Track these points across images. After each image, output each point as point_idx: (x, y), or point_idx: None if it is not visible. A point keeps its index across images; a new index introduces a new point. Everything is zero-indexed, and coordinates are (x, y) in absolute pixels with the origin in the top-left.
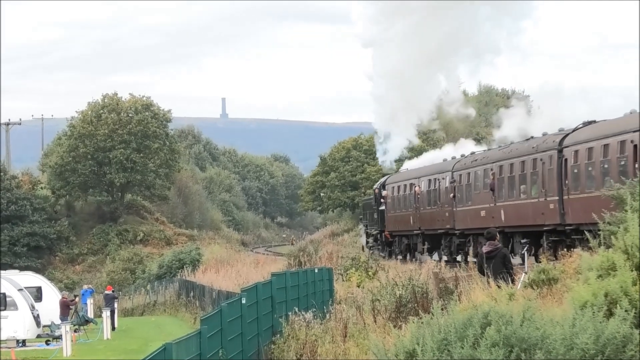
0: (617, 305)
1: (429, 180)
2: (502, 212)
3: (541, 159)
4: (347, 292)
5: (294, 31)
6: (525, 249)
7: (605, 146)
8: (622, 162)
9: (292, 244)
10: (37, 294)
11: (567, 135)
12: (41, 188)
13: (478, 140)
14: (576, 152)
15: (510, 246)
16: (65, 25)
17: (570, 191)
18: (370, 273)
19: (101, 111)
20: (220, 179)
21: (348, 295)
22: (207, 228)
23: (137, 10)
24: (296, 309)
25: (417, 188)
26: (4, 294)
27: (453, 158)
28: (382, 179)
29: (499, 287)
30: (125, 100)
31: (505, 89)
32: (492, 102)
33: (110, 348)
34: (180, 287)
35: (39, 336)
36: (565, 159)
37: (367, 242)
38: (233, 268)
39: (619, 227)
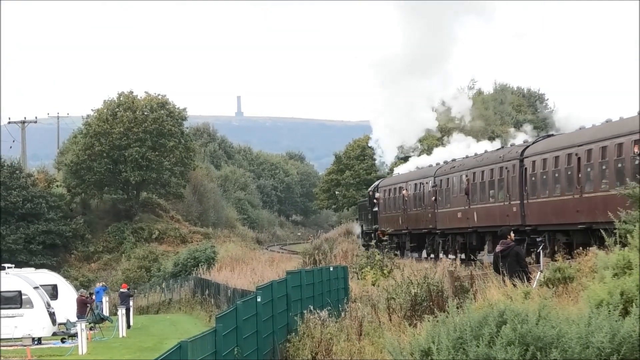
0: (633, 303)
1: (415, 184)
2: (475, 214)
3: (506, 168)
4: (362, 290)
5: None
6: (540, 247)
7: (556, 158)
8: (569, 173)
9: (310, 242)
10: (53, 292)
11: (528, 146)
12: (57, 186)
13: (492, 139)
14: (534, 162)
15: (484, 245)
16: (85, 23)
17: (529, 196)
18: (385, 271)
19: (117, 109)
20: (235, 177)
21: (363, 294)
22: (222, 226)
23: (156, 8)
24: (311, 307)
25: (404, 192)
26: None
27: (440, 163)
28: (376, 182)
29: (514, 285)
30: (140, 99)
31: (520, 87)
32: (507, 100)
33: (126, 346)
34: (195, 285)
35: (54, 334)
36: (525, 168)
37: (363, 240)
38: (248, 266)
39: (634, 226)
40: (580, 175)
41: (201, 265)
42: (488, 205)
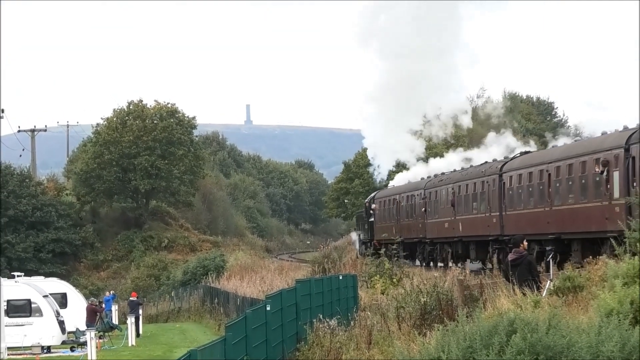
0: None
1: (407, 196)
2: (460, 224)
3: (487, 182)
4: (372, 299)
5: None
6: (550, 256)
7: (530, 173)
8: (541, 187)
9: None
10: (62, 300)
11: (506, 162)
12: (66, 194)
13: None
14: (511, 177)
15: (470, 253)
16: (95, 28)
17: (507, 208)
18: (394, 280)
19: (126, 118)
20: (244, 185)
21: (372, 302)
22: (232, 234)
23: (167, 17)
24: (320, 316)
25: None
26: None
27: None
28: (372, 194)
29: (524, 294)
30: (150, 107)
31: (530, 95)
32: (516, 108)
33: (135, 354)
34: (204, 294)
35: (64, 342)
36: (504, 182)
37: (360, 249)
38: (257, 274)
39: None
40: (550, 189)
41: (210, 273)
42: (472, 217)
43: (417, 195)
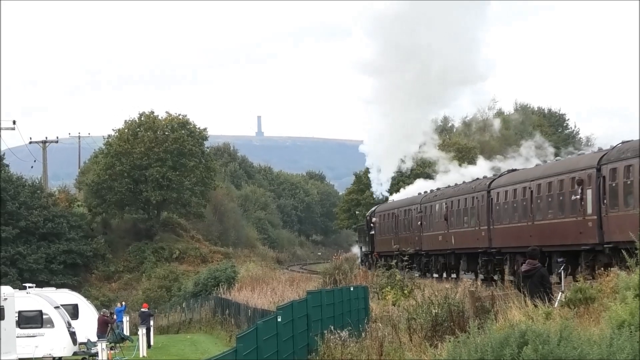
0: None
1: (405, 210)
2: (452, 237)
3: (477, 197)
4: (383, 310)
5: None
6: (562, 267)
7: (515, 190)
8: (524, 203)
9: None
10: (74, 312)
11: (494, 180)
12: (78, 206)
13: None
14: (498, 193)
15: (461, 265)
16: (106, 40)
17: (494, 222)
18: (406, 291)
19: (137, 129)
20: (255, 196)
21: (384, 314)
22: (243, 246)
23: (177, 26)
24: (332, 327)
25: (397, 217)
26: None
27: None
28: (373, 208)
29: (535, 306)
30: (161, 119)
31: (541, 107)
32: (528, 120)
33: None
34: (215, 305)
35: (75, 354)
36: (492, 198)
37: (362, 260)
38: (268, 286)
39: None
40: (532, 205)
41: (221, 285)
42: (463, 230)
43: (414, 209)
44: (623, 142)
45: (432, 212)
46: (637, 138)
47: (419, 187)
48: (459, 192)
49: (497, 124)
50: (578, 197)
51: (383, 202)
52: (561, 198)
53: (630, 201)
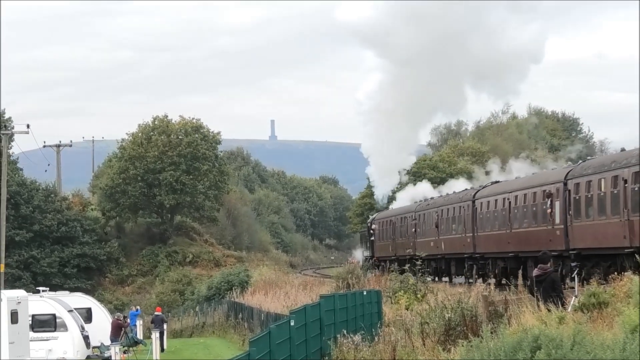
0: None
1: (401, 217)
2: (442, 243)
3: (463, 207)
4: (396, 314)
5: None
6: (575, 272)
7: (496, 200)
8: (504, 213)
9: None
10: (87, 315)
11: (479, 190)
12: (91, 209)
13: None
14: (481, 203)
15: (451, 269)
16: (119, 45)
17: (478, 230)
18: (419, 296)
19: (151, 133)
20: (268, 200)
21: (396, 318)
22: (256, 250)
23: (190, 30)
24: (344, 332)
25: (394, 224)
26: None
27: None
28: (373, 215)
29: (548, 310)
30: (175, 123)
31: (555, 111)
32: (542, 124)
33: None
34: (229, 309)
35: (88, 357)
36: (476, 208)
37: (363, 265)
38: (281, 290)
39: None
40: (510, 215)
41: (235, 288)
42: (451, 237)
43: (409, 217)
44: (588, 159)
45: (425, 219)
46: None
47: (423, 189)
48: (448, 201)
49: (512, 127)
50: (548, 208)
51: (383, 210)
52: (534, 209)
53: (591, 213)
